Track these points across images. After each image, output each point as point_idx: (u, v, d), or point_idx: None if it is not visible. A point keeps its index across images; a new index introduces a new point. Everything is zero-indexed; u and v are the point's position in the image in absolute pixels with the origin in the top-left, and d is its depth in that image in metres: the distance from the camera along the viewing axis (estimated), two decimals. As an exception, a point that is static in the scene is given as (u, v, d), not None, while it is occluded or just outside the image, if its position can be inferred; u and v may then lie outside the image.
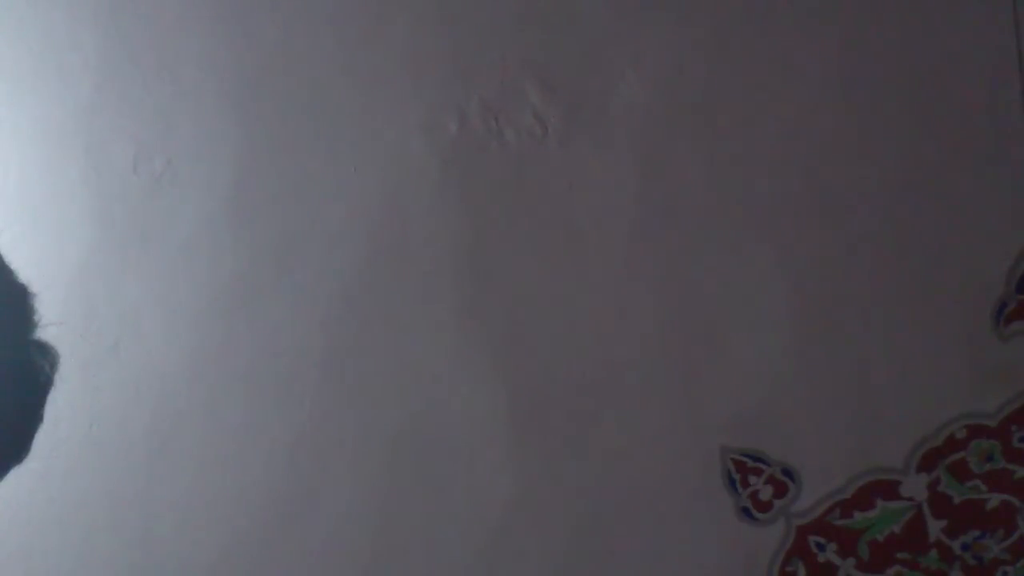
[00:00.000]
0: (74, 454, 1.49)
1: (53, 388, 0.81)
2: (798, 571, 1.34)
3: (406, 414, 1.41)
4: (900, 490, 1.30)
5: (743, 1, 1.29)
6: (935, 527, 1.30)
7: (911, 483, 1.30)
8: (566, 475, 1.38)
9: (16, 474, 0.80)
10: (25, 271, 0.83)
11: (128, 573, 1.51)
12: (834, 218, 1.29)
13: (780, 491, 1.33)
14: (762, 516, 1.34)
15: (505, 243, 1.37)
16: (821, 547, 1.33)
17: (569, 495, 1.38)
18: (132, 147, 1.47)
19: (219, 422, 1.46)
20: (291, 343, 1.44)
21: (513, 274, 1.37)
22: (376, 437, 1.42)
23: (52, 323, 0.82)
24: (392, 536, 1.43)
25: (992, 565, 1.30)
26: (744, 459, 1.33)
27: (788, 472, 1.32)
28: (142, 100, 1.47)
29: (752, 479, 1.33)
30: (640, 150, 1.33)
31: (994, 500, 1.29)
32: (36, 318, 0.81)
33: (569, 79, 1.34)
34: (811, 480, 1.32)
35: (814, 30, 1.28)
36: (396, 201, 1.40)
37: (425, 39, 1.38)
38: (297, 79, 1.42)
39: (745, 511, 1.34)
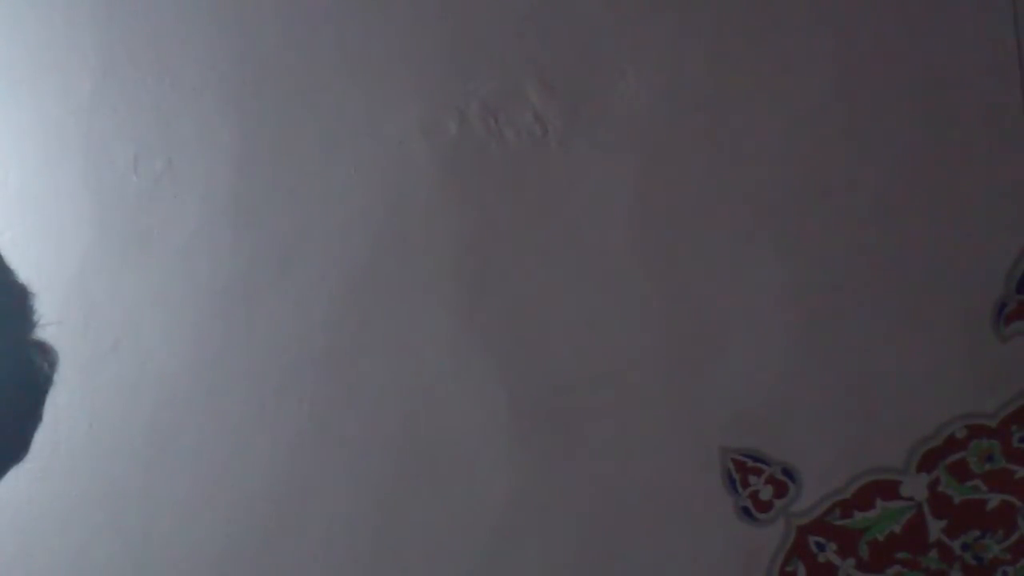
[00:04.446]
0: (74, 454, 1.49)
1: (53, 388, 0.81)
2: (798, 571, 1.33)
3: (406, 414, 1.41)
4: (900, 490, 1.30)
5: (743, 1, 1.29)
6: (935, 527, 1.30)
7: (911, 483, 1.30)
8: (566, 475, 1.38)
9: (16, 474, 0.80)
10: (25, 271, 0.83)
11: (128, 573, 1.51)
12: (834, 218, 1.28)
13: (780, 491, 1.33)
14: (762, 516, 1.34)
15: (505, 243, 1.37)
16: (821, 547, 1.33)
17: (569, 495, 1.38)
18: (132, 147, 1.47)
19: (219, 422, 1.47)
20: (291, 343, 1.44)
21: (513, 274, 1.37)
22: (376, 437, 1.42)
23: (52, 323, 0.82)
24: (392, 536, 1.43)
25: (992, 565, 1.30)
26: (744, 459, 1.33)
27: (788, 472, 1.32)
28: (142, 100, 1.47)
29: (752, 479, 1.33)
30: (640, 150, 1.33)
31: (994, 500, 1.29)
32: (36, 318, 0.81)
33: (569, 79, 1.34)
34: (811, 480, 1.32)
35: (814, 30, 1.28)
36: (396, 201, 1.40)
37: (425, 39, 1.38)
38: (297, 79, 1.42)
39: (745, 511, 1.34)
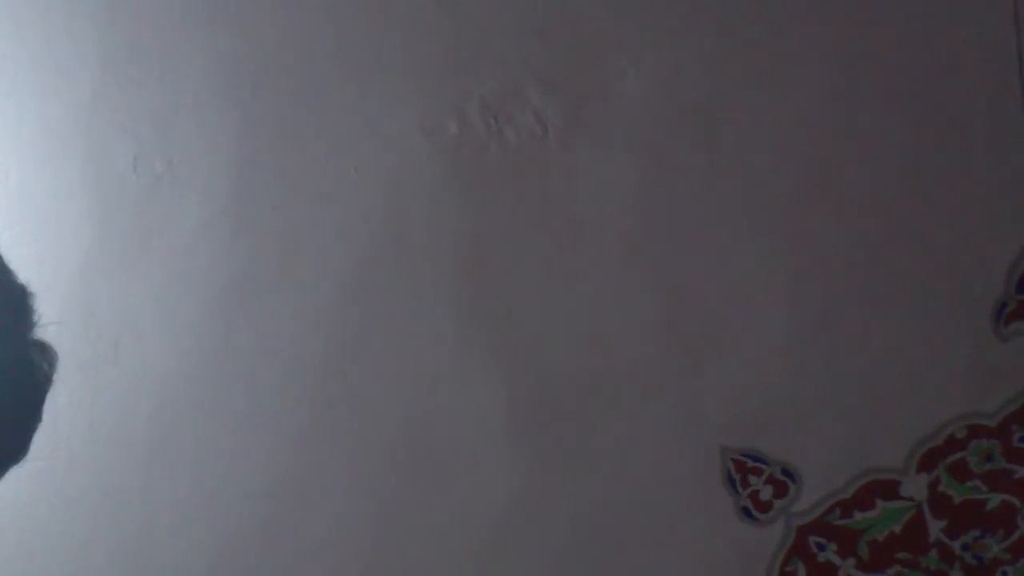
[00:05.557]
0: (74, 454, 1.49)
1: (53, 388, 0.82)
2: (798, 571, 1.33)
3: (406, 414, 1.41)
4: (900, 490, 1.30)
5: (743, 1, 1.29)
6: (935, 527, 1.30)
7: (911, 483, 1.30)
8: (566, 475, 1.38)
9: (16, 474, 0.80)
10: (25, 271, 0.83)
11: (128, 573, 1.51)
12: (834, 218, 1.29)
13: (780, 491, 1.33)
14: (762, 516, 1.34)
15: (505, 243, 1.37)
16: (821, 547, 1.33)
17: (569, 495, 1.38)
18: (132, 147, 1.47)
19: (219, 422, 1.47)
20: (291, 343, 1.44)
21: (513, 274, 1.37)
22: (376, 437, 1.42)
23: (52, 323, 0.82)
24: (392, 536, 1.43)
25: (992, 565, 1.30)
26: (744, 459, 1.33)
27: (788, 472, 1.32)
28: (142, 100, 1.47)
29: (752, 479, 1.33)
30: (640, 150, 1.33)
31: (994, 500, 1.29)
32: (35, 318, 0.81)
33: (569, 79, 1.34)
34: (811, 480, 1.32)
35: (814, 30, 1.28)
36: (396, 201, 1.40)
37: (425, 39, 1.38)
38: (297, 79, 1.42)
39: (745, 511, 1.34)
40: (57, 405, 0.83)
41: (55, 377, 0.82)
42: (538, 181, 1.36)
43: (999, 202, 1.25)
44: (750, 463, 1.33)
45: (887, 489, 1.30)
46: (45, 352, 0.81)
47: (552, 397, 1.37)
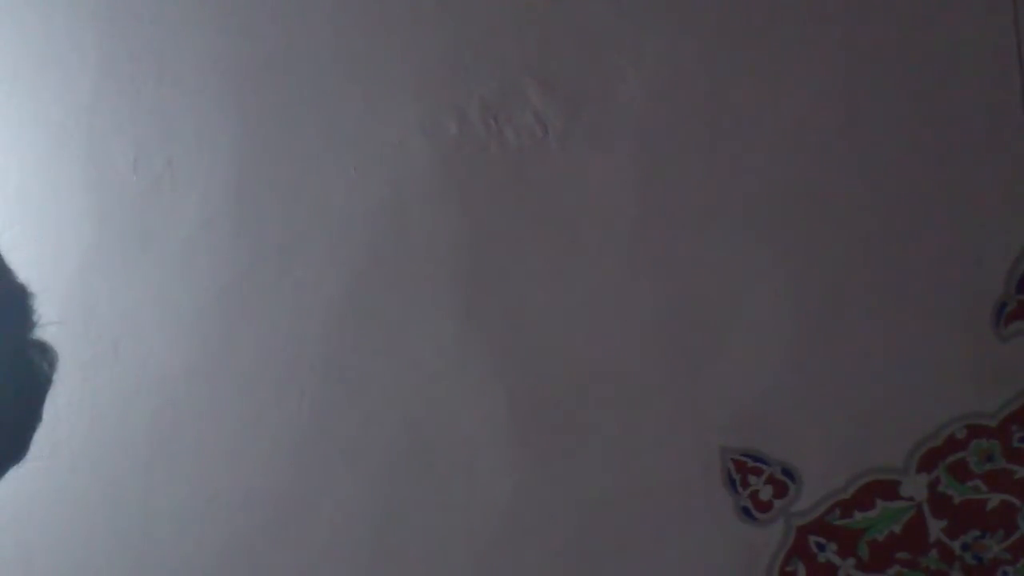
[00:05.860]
0: (74, 454, 1.49)
1: (53, 388, 0.82)
2: (798, 571, 1.33)
3: (406, 414, 1.41)
4: (900, 490, 1.30)
5: (743, 2, 1.29)
6: (935, 527, 1.30)
7: (911, 483, 1.30)
8: (566, 475, 1.38)
9: (16, 474, 0.81)
10: (25, 271, 0.83)
11: (128, 573, 1.51)
12: (834, 218, 1.29)
13: (780, 491, 1.33)
14: (762, 516, 1.34)
15: (505, 243, 1.37)
16: (821, 547, 1.33)
17: (569, 495, 1.38)
18: (132, 147, 1.47)
19: (219, 422, 1.47)
20: (291, 343, 1.44)
21: (513, 274, 1.37)
22: (376, 437, 1.42)
23: (52, 323, 0.82)
24: (392, 536, 1.43)
25: (992, 565, 1.30)
26: (744, 459, 1.33)
27: (788, 472, 1.32)
28: (142, 100, 1.47)
29: (752, 479, 1.33)
30: (640, 150, 1.33)
31: (994, 500, 1.29)
32: (36, 318, 0.81)
33: (569, 79, 1.34)
34: (811, 480, 1.32)
35: (814, 30, 1.28)
36: (396, 201, 1.40)
37: (425, 39, 1.38)
38: (297, 79, 1.42)
39: (745, 511, 1.34)
40: (57, 405, 0.83)
41: (55, 377, 0.82)
42: (538, 181, 1.36)
43: (999, 202, 1.25)
44: (750, 463, 1.33)
45: (887, 489, 1.30)
46: (45, 352, 0.81)
47: (552, 397, 1.37)
